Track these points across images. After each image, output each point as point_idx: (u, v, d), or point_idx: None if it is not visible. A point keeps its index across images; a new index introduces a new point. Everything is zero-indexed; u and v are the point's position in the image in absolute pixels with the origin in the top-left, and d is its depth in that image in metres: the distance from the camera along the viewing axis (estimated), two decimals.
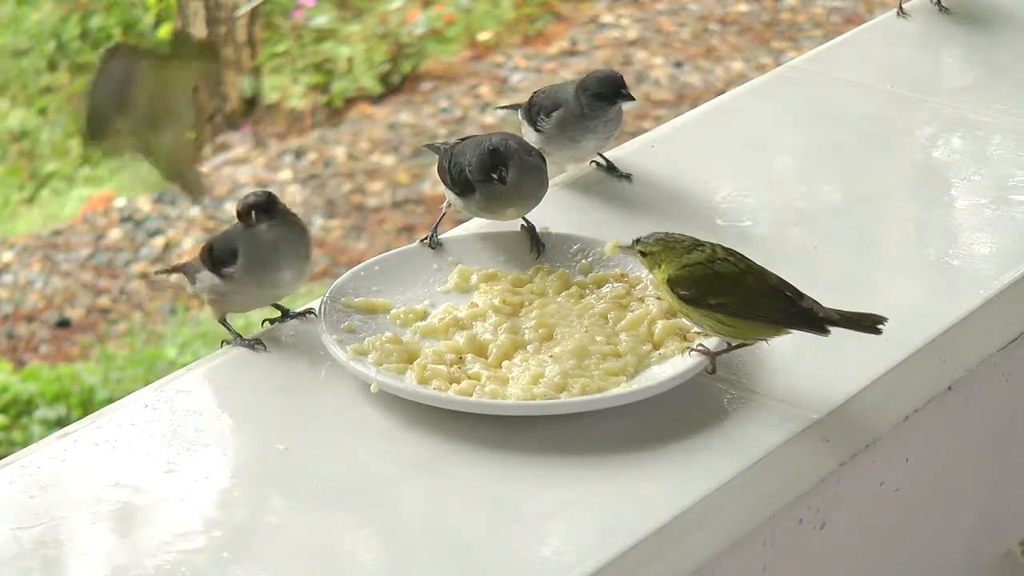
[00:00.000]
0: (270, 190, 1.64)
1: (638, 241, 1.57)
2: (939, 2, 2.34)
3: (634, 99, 1.88)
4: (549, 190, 1.89)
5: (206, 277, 1.63)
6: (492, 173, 1.68)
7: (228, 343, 1.61)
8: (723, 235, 1.65)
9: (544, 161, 1.76)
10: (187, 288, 1.69)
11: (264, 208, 1.60)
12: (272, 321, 1.64)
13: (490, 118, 5.71)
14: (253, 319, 1.70)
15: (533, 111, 1.91)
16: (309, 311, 1.64)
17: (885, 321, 1.50)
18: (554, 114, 1.89)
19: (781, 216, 1.87)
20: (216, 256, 1.62)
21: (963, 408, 1.64)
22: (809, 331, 1.50)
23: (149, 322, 4.92)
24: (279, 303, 1.65)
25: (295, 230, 1.63)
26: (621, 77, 1.89)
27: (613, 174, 1.92)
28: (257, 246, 1.61)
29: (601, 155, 1.93)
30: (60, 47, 6.33)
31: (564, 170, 1.94)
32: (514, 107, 1.98)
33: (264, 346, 1.61)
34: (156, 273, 1.80)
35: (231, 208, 5.48)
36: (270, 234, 1.60)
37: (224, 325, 1.64)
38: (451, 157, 1.76)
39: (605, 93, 1.88)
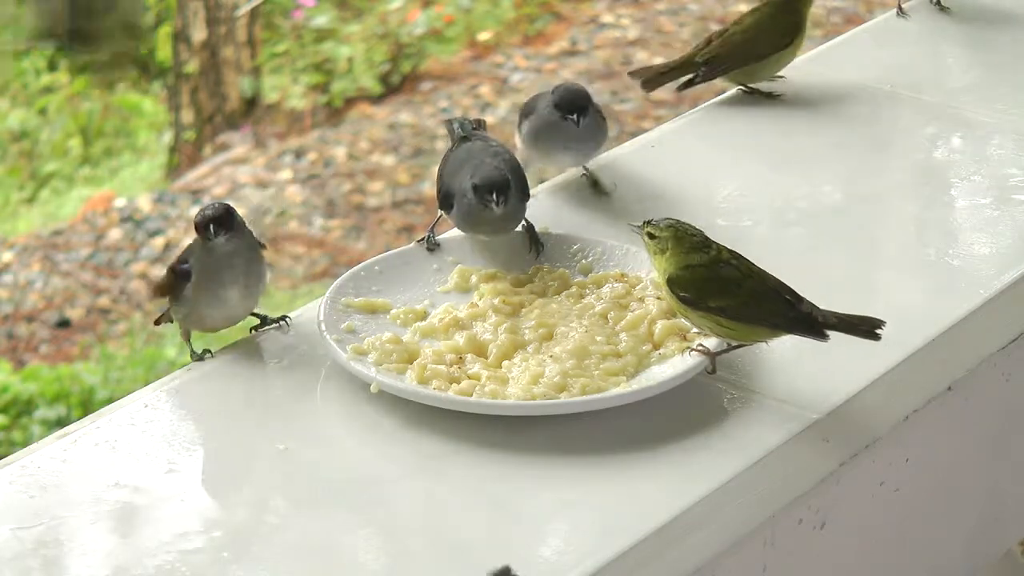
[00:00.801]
0: (228, 203, 1.62)
1: (649, 223, 1.57)
2: (938, 1, 2.34)
3: (578, 125, 1.82)
4: (549, 190, 1.89)
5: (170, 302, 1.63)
6: (487, 195, 1.67)
7: (193, 360, 1.61)
8: (723, 235, 1.65)
9: (525, 186, 1.75)
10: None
11: (221, 222, 1.57)
12: (253, 329, 1.64)
13: (490, 118, 5.71)
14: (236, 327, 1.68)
15: (521, 114, 1.90)
16: (284, 318, 1.64)
17: (883, 325, 1.50)
18: (528, 120, 1.87)
19: (781, 216, 1.87)
20: (176, 276, 1.61)
21: (963, 408, 1.64)
22: (808, 336, 1.50)
23: (149, 322, 4.92)
24: (256, 312, 1.64)
25: (251, 246, 1.61)
26: (582, 94, 1.83)
27: (595, 189, 1.89)
28: (208, 262, 1.59)
29: (586, 169, 1.90)
30: (60, 47, 6.33)
31: (564, 170, 1.94)
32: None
33: (212, 353, 1.59)
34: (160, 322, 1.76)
35: None
36: (226, 247, 1.58)
37: (186, 343, 1.63)
38: (444, 166, 1.76)
39: (562, 105, 1.84)
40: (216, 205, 1.59)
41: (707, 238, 1.55)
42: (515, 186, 1.70)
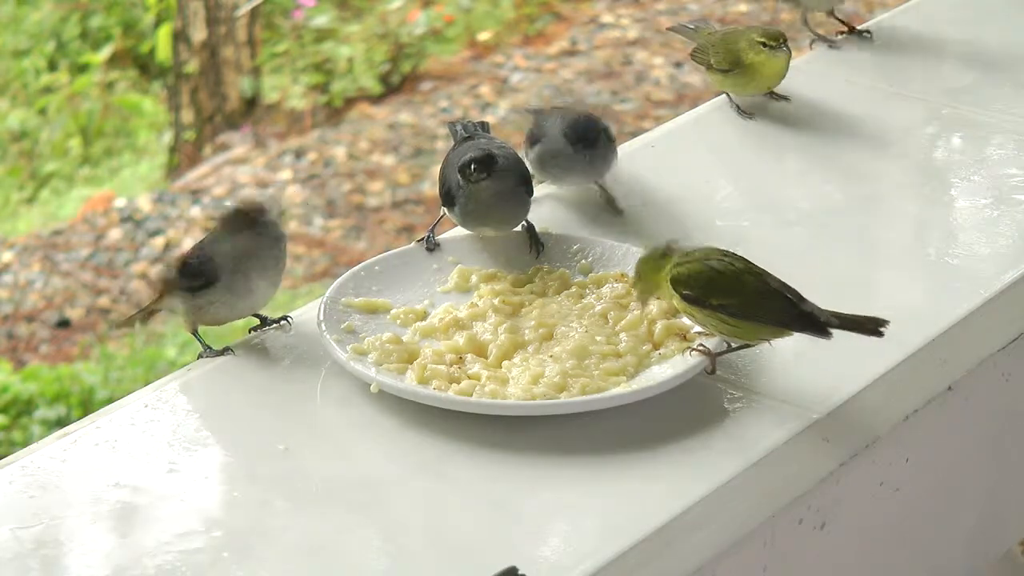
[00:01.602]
0: (260, 201, 1.64)
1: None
2: None
3: (585, 156, 1.80)
4: (549, 189, 1.89)
5: (179, 296, 1.63)
6: (465, 169, 1.68)
7: (202, 356, 1.61)
8: (723, 235, 1.65)
9: (529, 183, 1.74)
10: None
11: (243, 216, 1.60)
12: (252, 329, 1.64)
13: (490, 118, 5.71)
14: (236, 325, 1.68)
15: (527, 137, 1.88)
16: (285, 318, 1.64)
17: (886, 324, 1.50)
18: (536, 147, 1.85)
19: (781, 216, 1.87)
20: (192, 271, 1.62)
21: (963, 408, 1.64)
22: (811, 333, 1.50)
23: (149, 322, 4.91)
24: (257, 312, 1.64)
25: (276, 237, 1.62)
26: (592, 125, 1.82)
27: (609, 206, 1.87)
28: (236, 255, 1.60)
29: (601, 185, 1.88)
30: (60, 47, 6.33)
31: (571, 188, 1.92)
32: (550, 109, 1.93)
33: (233, 351, 1.60)
34: (122, 324, 1.76)
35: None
36: (250, 243, 1.60)
37: (196, 338, 1.63)
38: (446, 163, 1.76)
39: (572, 136, 1.82)
40: (256, 198, 1.61)
41: (667, 244, 1.56)
42: (514, 178, 1.70)
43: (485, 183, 1.68)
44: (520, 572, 1.27)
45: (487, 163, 1.68)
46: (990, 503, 1.77)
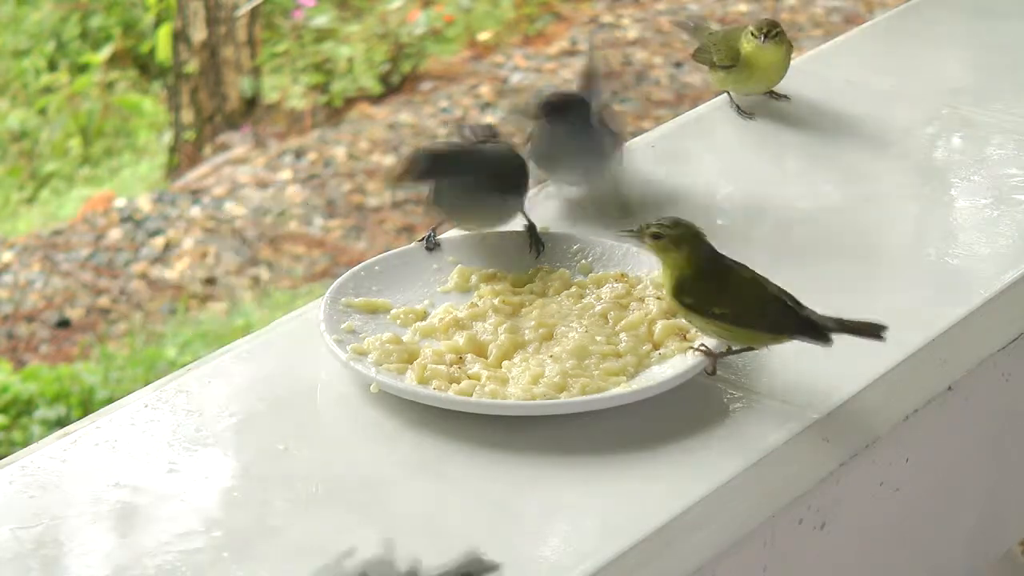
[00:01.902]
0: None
1: (652, 224, 1.54)
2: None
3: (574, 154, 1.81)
4: (550, 188, 1.89)
5: None
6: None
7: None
8: (723, 235, 1.65)
9: (521, 183, 1.73)
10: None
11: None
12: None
13: (490, 118, 5.71)
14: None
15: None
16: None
17: (886, 329, 1.49)
18: (528, 145, 1.83)
19: (781, 216, 1.87)
20: None
21: (963, 408, 1.64)
22: (811, 340, 1.50)
23: (149, 322, 4.92)
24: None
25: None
26: (559, 98, 1.81)
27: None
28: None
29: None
30: (60, 47, 6.33)
31: (581, 186, 1.92)
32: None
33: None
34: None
35: (231, 208, 5.47)
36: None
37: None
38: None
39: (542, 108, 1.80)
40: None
41: (714, 250, 1.55)
42: (501, 178, 1.70)
43: (456, 176, 1.68)
44: (488, 560, 1.23)
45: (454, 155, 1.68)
46: (990, 503, 1.77)
